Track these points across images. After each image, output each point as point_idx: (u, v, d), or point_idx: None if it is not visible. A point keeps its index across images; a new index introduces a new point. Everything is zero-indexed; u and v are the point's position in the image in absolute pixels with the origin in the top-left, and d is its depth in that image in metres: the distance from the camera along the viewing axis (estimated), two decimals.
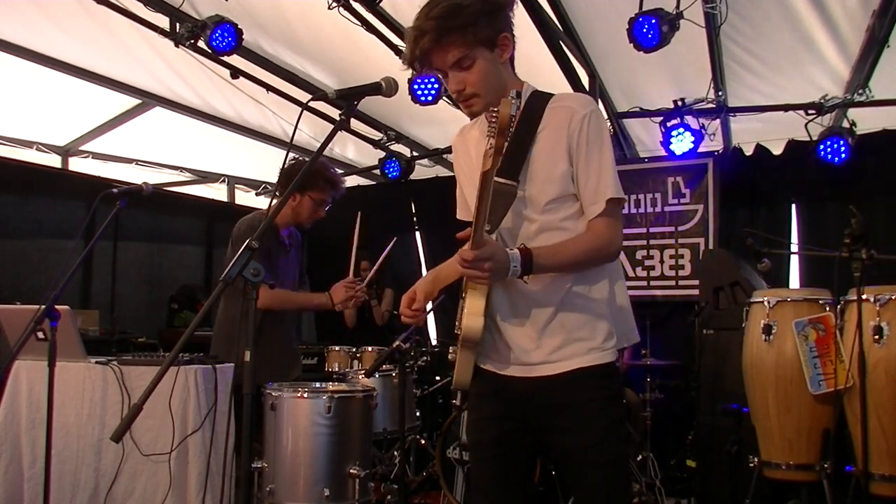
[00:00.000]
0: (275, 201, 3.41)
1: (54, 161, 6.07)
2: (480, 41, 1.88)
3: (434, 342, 6.28)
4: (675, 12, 3.89)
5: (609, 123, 5.60)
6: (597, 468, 1.86)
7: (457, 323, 1.98)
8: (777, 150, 5.54)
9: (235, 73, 4.91)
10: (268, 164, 6.80)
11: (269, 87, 5.25)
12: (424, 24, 1.85)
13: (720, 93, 4.94)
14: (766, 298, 3.47)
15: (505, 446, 1.98)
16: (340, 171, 7.18)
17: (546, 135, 1.89)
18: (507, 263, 1.76)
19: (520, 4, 4.12)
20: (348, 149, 7.00)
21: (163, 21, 4.44)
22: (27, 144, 5.83)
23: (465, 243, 1.78)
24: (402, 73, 4.72)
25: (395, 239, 3.61)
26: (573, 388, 1.88)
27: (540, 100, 1.95)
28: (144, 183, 3.09)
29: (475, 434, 2.10)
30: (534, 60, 4.90)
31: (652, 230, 5.79)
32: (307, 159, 3.62)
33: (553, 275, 1.89)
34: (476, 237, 1.71)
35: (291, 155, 3.65)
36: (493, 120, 1.68)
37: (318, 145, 2.10)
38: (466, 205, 2.14)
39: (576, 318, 1.90)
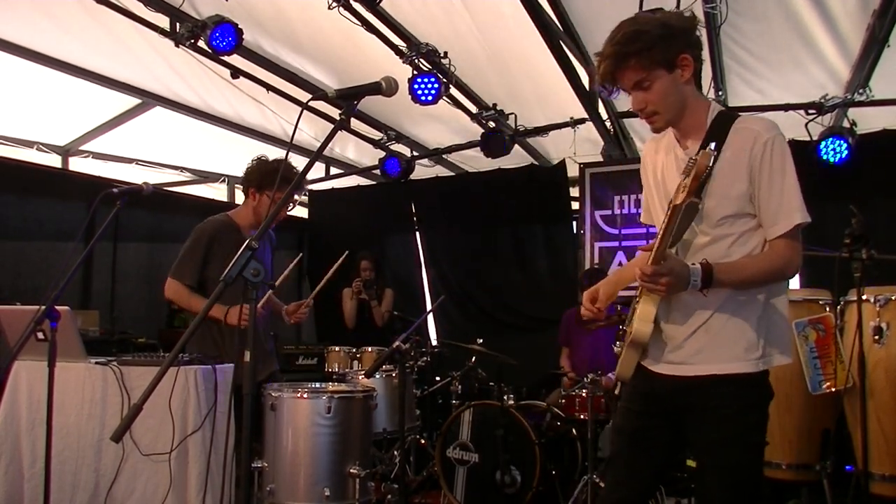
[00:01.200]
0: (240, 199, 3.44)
1: (54, 161, 6.07)
2: (658, 63, 2.00)
3: (434, 343, 6.29)
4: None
5: (609, 123, 5.60)
6: (719, 470, 1.99)
7: (627, 323, 2.17)
8: None
9: (235, 72, 4.91)
10: None
11: (269, 87, 5.25)
12: (607, 49, 2.05)
13: (720, 92, 4.94)
14: None
15: (640, 440, 2.15)
16: (340, 171, 7.29)
17: (729, 155, 1.99)
18: (688, 278, 1.92)
19: (520, 5, 4.13)
20: (348, 149, 7.01)
21: (163, 21, 4.44)
22: (27, 144, 5.83)
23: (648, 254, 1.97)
24: (402, 73, 4.73)
25: (346, 252, 3.60)
26: (709, 391, 1.99)
27: (725, 120, 2.05)
28: (144, 183, 3.09)
29: (619, 420, 2.27)
30: (534, 60, 4.91)
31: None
32: (270, 158, 3.59)
33: None
34: (657, 252, 1.89)
35: (281, 154, 3.65)
36: (691, 164, 1.85)
37: (319, 145, 2.10)
38: (649, 210, 2.33)
39: (723, 326, 2.01)
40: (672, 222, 1.85)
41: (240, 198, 7.36)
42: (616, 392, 4.36)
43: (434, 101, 4.86)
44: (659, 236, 1.91)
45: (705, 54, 4.49)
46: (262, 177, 3.42)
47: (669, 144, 2.16)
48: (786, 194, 1.96)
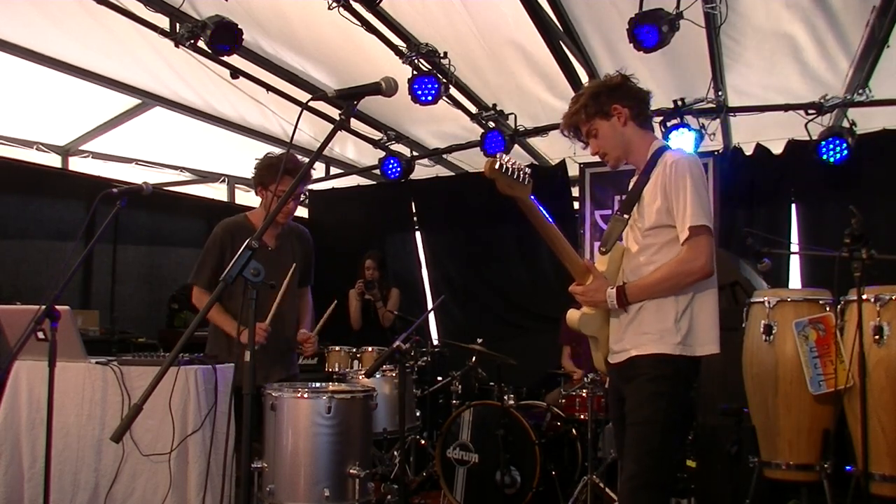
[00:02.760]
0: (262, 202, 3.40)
1: (54, 161, 6.07)
2: (594, 115, 2.57)
3: (434, 343, 6.28)
4: (675, 12, 3.89)
5: None
6: (632, 426, 2.43)
7: None
8: (777, 149, 5.54)
9: (235, 73, 4.91)
10: None
11: (269, 87, 5.25)
12: (565, 115, 2.66)
13: (720, 92, 4.94)
14: (766, 298, 3.47)
15: (623, 423, 2.55)
16: (340, 171, 7.29)
17: (652, 179, 2.50)
18: (604, 300, 2.49)
19: (520, 5, 4.13)
20: (348, 149, 7.01)
21: (163, 21, 4.44)
22: (27, 144, 5.83)
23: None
24: (402, 74, 4.73)
25: (335, 302, 3.63)
26: (635, 367, 2.46)
27: (657, 153, 2.55)
28: (144, 183, 3.08)
29: (611, 412, 2.73)
30: (534, 61, 4.91)
31: None
32: (274, 153, 3.54)
33: None
34: (575, 270, 2.58)
35: (281, 151, 3.62)
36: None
37: (318, 145, 2.10)
38: None
39: (649, 320, 2.45)
40: (541, 221, 2.43)
41: (240, 198, 7.46)
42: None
43: (434, 102, 4.86)
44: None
45: (705, 54, 4.53)
46: (265, 172, 3.40)
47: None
48: (687, 205, 2.37)
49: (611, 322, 2.59)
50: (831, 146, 4.84)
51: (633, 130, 2.57)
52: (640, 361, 2.44)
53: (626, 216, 2.55)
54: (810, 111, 4.86)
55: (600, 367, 2.69)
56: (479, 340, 4.51)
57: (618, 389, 2.59)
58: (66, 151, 6.12)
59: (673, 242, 2.44)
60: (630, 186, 2.62)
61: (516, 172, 2.27)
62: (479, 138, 5.83)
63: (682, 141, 5.16)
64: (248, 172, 3.61)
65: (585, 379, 4.41)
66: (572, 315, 2.63)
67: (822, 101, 4.80)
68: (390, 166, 6.46)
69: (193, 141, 6.37)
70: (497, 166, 2.22)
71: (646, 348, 2.43)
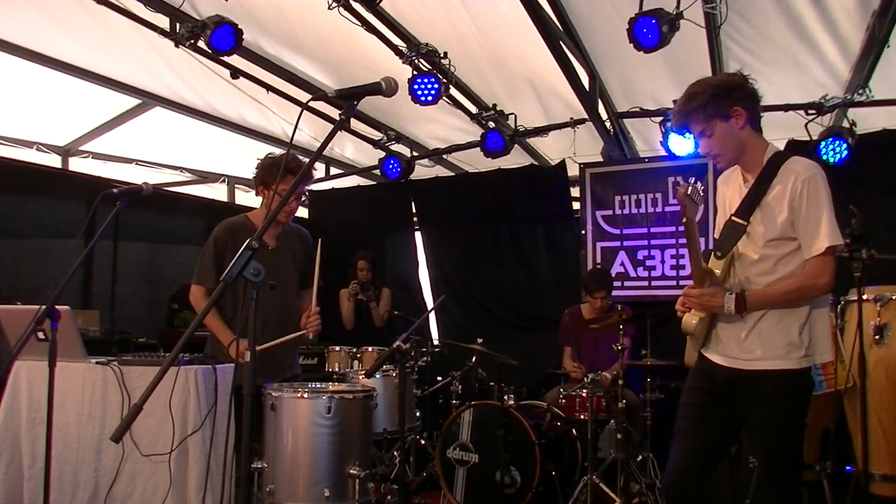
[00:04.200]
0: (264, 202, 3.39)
1: (54, 161, 6.07)
2: (713, 116, 2.50)
3: (434, 343, 6.28)
4: (675, 12, 3.89)
5: (609, 123, 5.60)
6: (764, 446, 2.49)
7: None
8: None
9: (235, 73, 4.91)
10: None
11: (269, 87, 5.25)
12: (675, 108, 2.60)
13: None
14: None
15: (702, 412, 2.60)
16: (340, 171, 7.29)
17: (777, 189, 2.47)
18: (721, 305, 2.47)
19: (520, 5, 4.13)
20: (348, 149, 7.01)
21: (163, 21, 4.44)
22: (27, 144, 5.83)
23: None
24: (401, 74, 4.73)
25: (319, 239, 3.56)
26: (760, 381, 2.47)
27: (777, 160, 2.52)
28: (144, 183, 3.08)
29: (685, 397, 2.68)
30: (534, 60, 4.91)
31: (653, 230, 5.80)
32: (275, 154, 3.53)
33: None
34: (693, 269, 2.52)
35: (281, 151, 3.62)
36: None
37: (318, 145, 2.10)
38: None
39: (772, 330, 2.46)
40: (691, 239, 2.45)
41: (240, 198, 7.46)
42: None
43: (434, 102, 4.86)
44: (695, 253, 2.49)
45: (705, 54, 4.53)
46: (266, 171, 3.40)
47: (737, 179, 2.63)
48: (819, 223, 2.39)
49: (719, 326, 2.59)
50: (831, 146, 4.83)
51: (749, 133, 2.54)
52: (769, 376, 2.46)
53: (744, 222, 2.51)
54: (810, 111, 4.86)
55: (691, 362, 2.70)
56: (480, 340, 4.51)
57: (713, 383, 2.59)
58: (66, 151, 6.11)
59: (793, 255, 2.46)
60: (744, 191, 2.56)
61: (697, 196, 2.40)
62: (479, 138, 5.83)
63: (682, 141, 5.16)
64: (248, 172, 3.61)
65: (585, 379, 4.42)
66: (689, 320, 2.59)
67: (822, 101, 4.80)
68: (390, 166, 6.46)
69: (193, 141, 6.37)
70: (689, 192, 2.34)
71: (775, 363, 2.45)
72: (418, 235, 7.21)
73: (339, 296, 5.88)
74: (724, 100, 2.49)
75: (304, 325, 3.42)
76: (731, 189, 2.67)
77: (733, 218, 2.53)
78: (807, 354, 2.45)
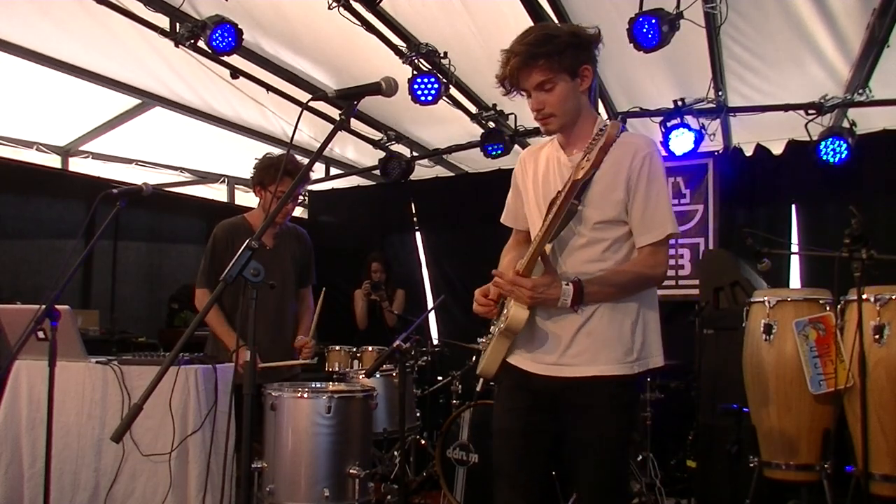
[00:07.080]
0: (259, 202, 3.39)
1: (54, 161, 6.07)
2: (563, 69, 2.10)
3: (434, 342, 6.28)
4: (675, 12, 3.88)
5: None
6: (594, 466, 2.12)
7: (504, 313, 2.26)
8: (777, 150, 5.54)
9: (235, 73, 4.91)
10: None
11: (269, 87, 5.25)
12: (516, 47, 2.12)
13: (720, 93, 4.93)
14: (766, 298, 3.47)
15: (531, 434, 2.21)
16: (340, 172, 7.29)
17: (608, 165, 2.04)
18: (557, 298, 2.06)
19: (520, 5, 4.13)
20: (348, 149, 7.00)
21: (163, 21, 4.44)
22: (27, 144, 5.83)
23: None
24: (402, 74, 4.73)
25: (323, 290, 3.60)
26: (590, 392, 2.12)
27: (611, 131, 2.16)
28: (144, 183, 3.09)
29: (503, 423, 2.29)
30: None
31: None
32: (273, 154, 3.55)
33: None
34: (532, 256, 2.05)
35: (281, 151, 3.63)
36: (599, 136, 1.92)
37: (318, 145, 2.10)
38: (514, 213, 2.43)
39: (603, 331, 2.13)
40: (555, 222, 1.99)
41: (239, 198, 7.46)
42: (479, 388, 4.35)
43: (434, 102, 4.85)
44: (538, 237, 2.04)
45: (705, 54, 4.53)
46: (264, 172, 3.41)
47: (551, 153, 2.27)
48: (659, 206, 2.11)
49: (538, 325, 2.18)
50: (831, 146, 4.83)
51: (586, 101, 2.20)
52: (600, 385, 2.10)
53: (576, 202, 2.04)
54: (810, 111, 4.85)
55: (490, 373, 2.26)
56: (480, 340, 4.51)
57: (532, 399, 2.21)
58: (66, 152, 6.12)
59: (622, 240, 2.16)
60: (568, 166, 2.17)
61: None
62: (479, 138, 5.83)
63: (682, 141, 5.15)
64: (248, 173, 3.61)
65: None
66: (520, 315, 2.12)
67: (822, 101, 4.80)
68: (391, 166, 6.46)
69: (193, 141, 6.37)
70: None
71: (607, 368, 2.11)
72: (418, 235, 7.22)
73: (354, 296, 5.90)
74: (580, 53, 2.11)
75: (298, 349, 3.48)
76: (544, 164, 2.27)
77: (560, 196, 2.01)
78: (639, 358, 2.13)
